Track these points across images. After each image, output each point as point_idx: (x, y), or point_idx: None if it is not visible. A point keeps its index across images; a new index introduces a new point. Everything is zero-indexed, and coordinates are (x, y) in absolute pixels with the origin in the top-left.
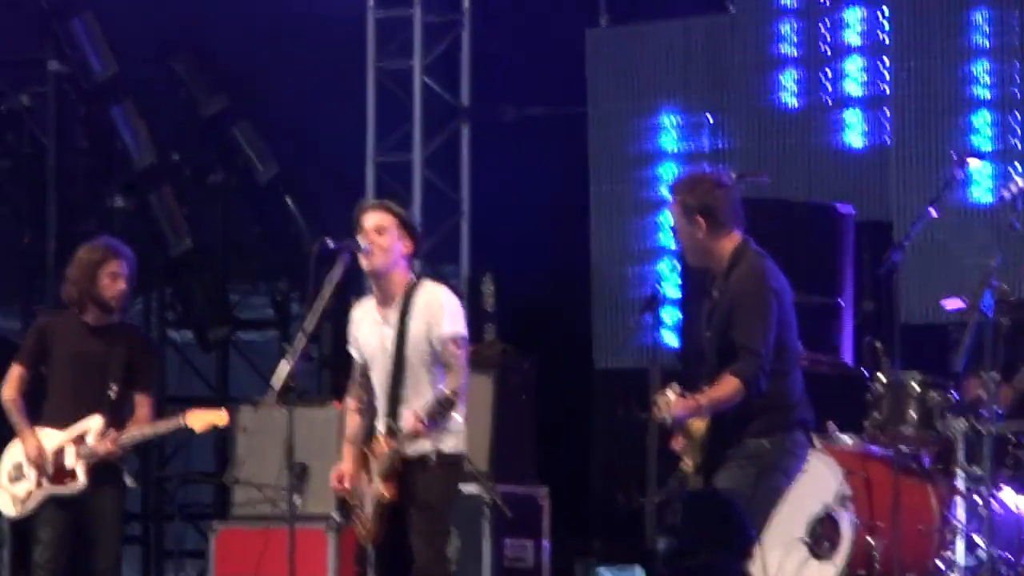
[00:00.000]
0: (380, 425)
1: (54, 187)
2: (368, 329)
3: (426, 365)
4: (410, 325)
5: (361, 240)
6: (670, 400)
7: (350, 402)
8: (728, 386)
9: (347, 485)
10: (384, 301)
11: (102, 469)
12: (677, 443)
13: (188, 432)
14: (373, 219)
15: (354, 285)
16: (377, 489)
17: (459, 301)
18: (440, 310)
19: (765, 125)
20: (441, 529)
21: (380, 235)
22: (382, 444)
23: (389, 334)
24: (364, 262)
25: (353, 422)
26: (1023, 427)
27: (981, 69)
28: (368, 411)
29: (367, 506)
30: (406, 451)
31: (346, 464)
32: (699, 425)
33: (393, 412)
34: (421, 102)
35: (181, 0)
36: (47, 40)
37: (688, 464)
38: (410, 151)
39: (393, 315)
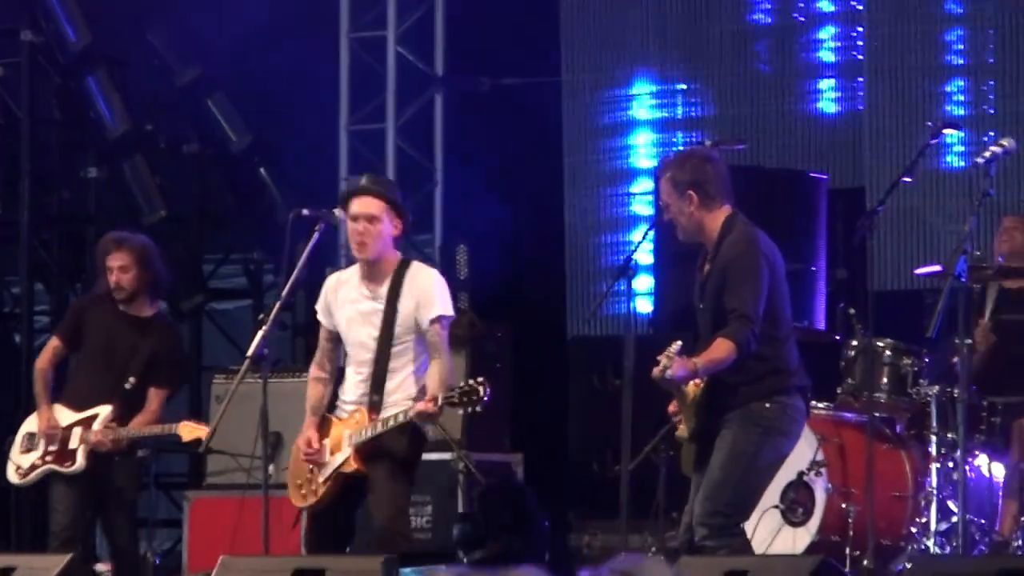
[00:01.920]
0: (350, 394)
1: (27, 158)
2: (349, 300)
3: (413, 343)
4: (400, 303)
5: (352, 226)
6: (671, 360)
7: (315, 370)
8: (721, 348)
9: (316, 447)
10: (371, 277)
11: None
12: (673, 407)
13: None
14: (364, 206)
15: (328, 255)
16: (342, 458)
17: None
18: (430, 291)
19: (739, 93)
20: (405, 498)
21: (372, 224)
22: (364, 415)
23: (377, 308)
24: (357, 253)
25: (316, 390)
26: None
27: (955, 36)
28: (331, 380)
29: (323, 473)
30: (386, 427)
31: (312, 431)
32: (693, 391)
33: (378, 387)
34: (395, 71)
35: None
36: (20, 11)
37: (683, 430)
38: (384, 120)
39: (382, 292)
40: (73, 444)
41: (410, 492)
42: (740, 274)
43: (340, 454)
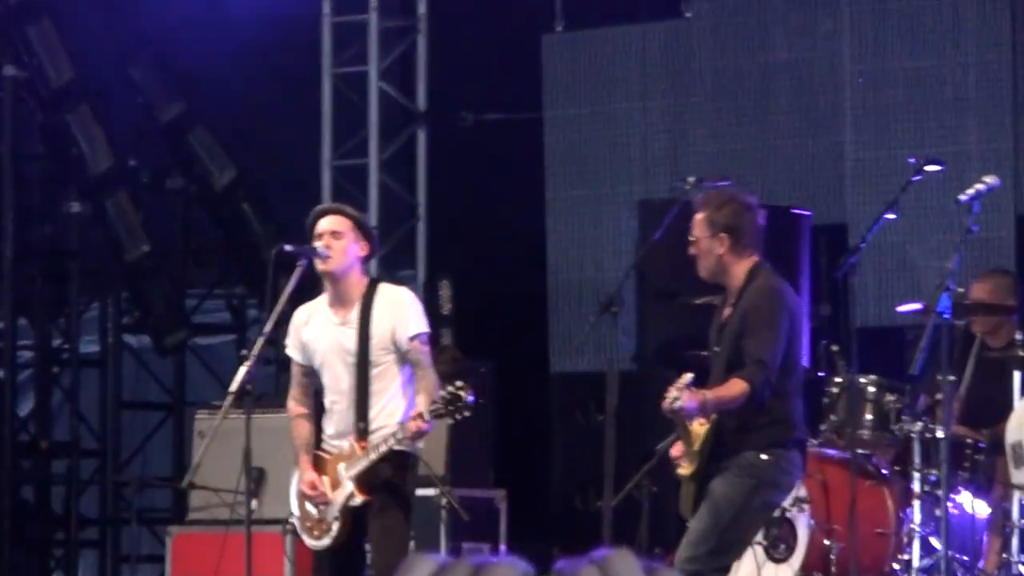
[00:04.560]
0: (335, 426)
1: (10, 192)
2: (320, 330)
3: (392, 364)
4: (373, 325)
5: (318, 245)
6: (681, 391)
7: (295, 408)
8: (734, 387)
9: (322, 488)
10: (340, 303)
11: None
12: (676, 451)
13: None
14: (328, 223)
15: (312, 290)
16: (346, 493)
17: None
18: (405, 309)
19: (722, 129)
20: (406, 524)
21: (336, 239)
22: (354, 447)
23: (350, 334)
24: (320, 265)
25: (303, 428)
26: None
27: (937, 73)
28: (313, 415)
29: (331, 511)
30: (380, 452)
31: (311, 472)
32: (700, 431)
33: (363, 414)
34: (378, 107)
35: (138, 6)
36: (3, 46)
37: (685, 469)
38: (367, 156)
39: (352, 316)
40: None
41: (409, 524)
42: (761, 322)
43: (342, 490)
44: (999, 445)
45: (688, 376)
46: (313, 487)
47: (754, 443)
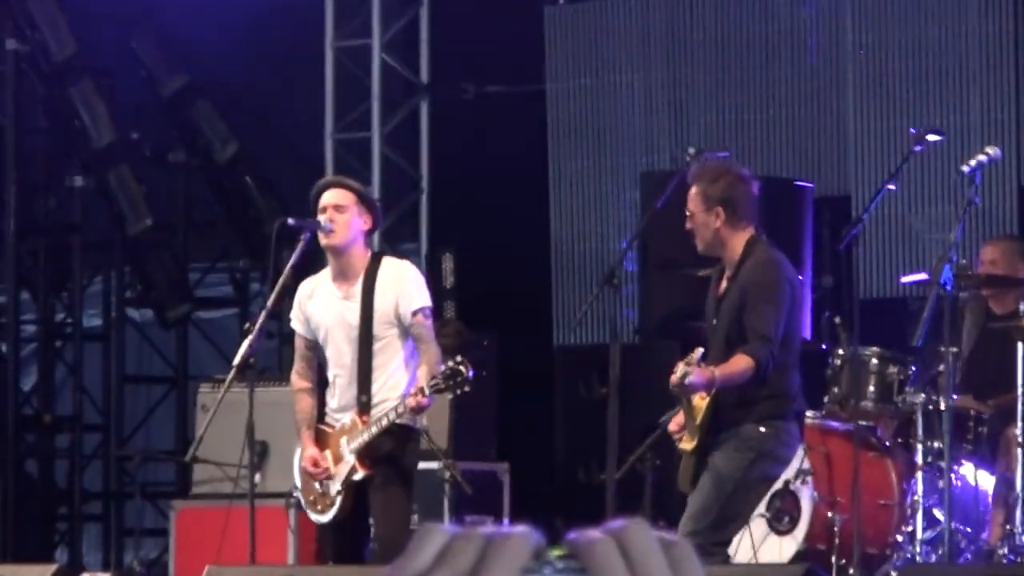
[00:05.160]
0: (338, 400)
1: (13, 166)
2: (323, 304)
3: (395, 338)
4: (376, 299)
5: (322, 219)
6: (690, 367)
7: (299, 381)
8: (740, 363)
9: (324, 465)
10: (343, 276)
11: None
12: (675, 425)
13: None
14: (332, 196)
15: (314, 263)
16: (348, 466)
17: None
18: (407, 284)
19: (724, 101)
20: (408, 498)
21: (340, 212)
22: (356, 421)
23: (353, 308)
24: (324, 239)
25: (306, 403)
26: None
27: (939, 44)
28: (316, 389)
29: (334, 485)
30: (381, 426)
31: (312, 448)
32: (701, 405)
33: (365, 387)
34: (380, 79)
35: None
36: (5, 19)
37: (687, 443)
38: (369, 128)
39: (355, 290)
40: None
41: (411, 497)
42: (763, 296)
43: (344, 464)
44: (1005, 417)
45: (699, 351)
46: (315, 464)
47: (753, 416)
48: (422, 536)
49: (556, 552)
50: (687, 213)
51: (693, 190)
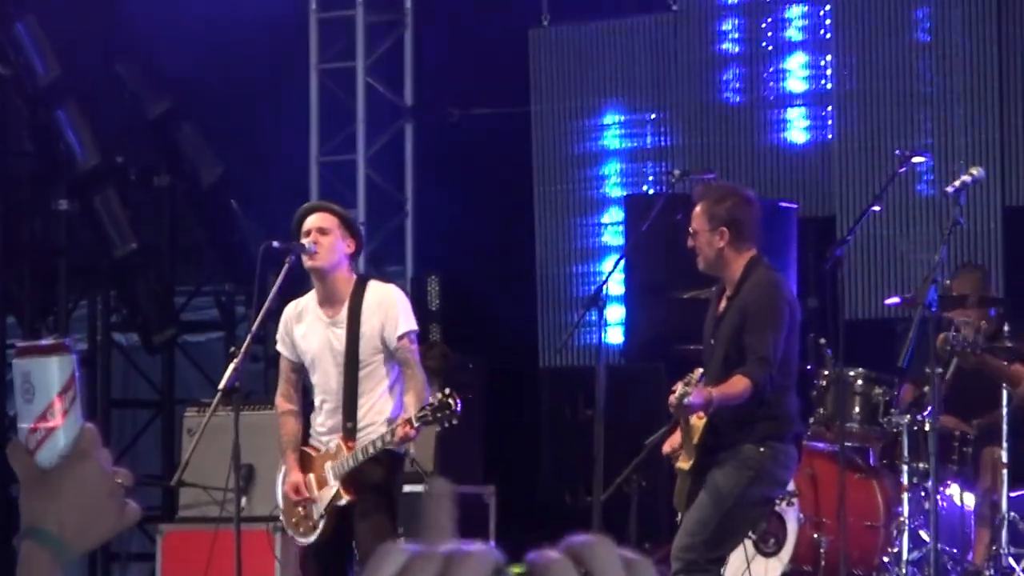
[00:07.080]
0: (324, 424)
1: None
2: (309, 328)
3: (380, 363)
4: (362, 324)
5: (305, 242)
6: (689, 388)
7: (283, 404)
8: (738, 384)
9: (306, 494)
10: (329, 301)
11: None
12: (669, 447)
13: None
14: (315, 220)
15: (299, 287)
16: (332, 491)
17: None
18: (394, 308)
19: (708, 122)
20: (392, 525)
21: (323, 235)
22: (342, 446)
23: (339, 333)
24: (308, 261)
25: (291, 425)
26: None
27: (923, 64)
28: (301, 412)
29: (317, 509)
30: (367, 454)
31: (297, 473)
32: (698, 425)
33: (351, 414)
34: (365, 102)
35: (125, 3)
36: None
37: (684, 462)
38: (354, 151)
39: (342, 315)
40: None
41: (396, 524)
42: (763, 317)
43: (328, 488)
44: (988, 436)
45: (698, 372)
46: (297, 491)
47: (753, 437)
48: (381, 556)
49: (516, 570)
50: (691, 231)
51: (698, 208)
